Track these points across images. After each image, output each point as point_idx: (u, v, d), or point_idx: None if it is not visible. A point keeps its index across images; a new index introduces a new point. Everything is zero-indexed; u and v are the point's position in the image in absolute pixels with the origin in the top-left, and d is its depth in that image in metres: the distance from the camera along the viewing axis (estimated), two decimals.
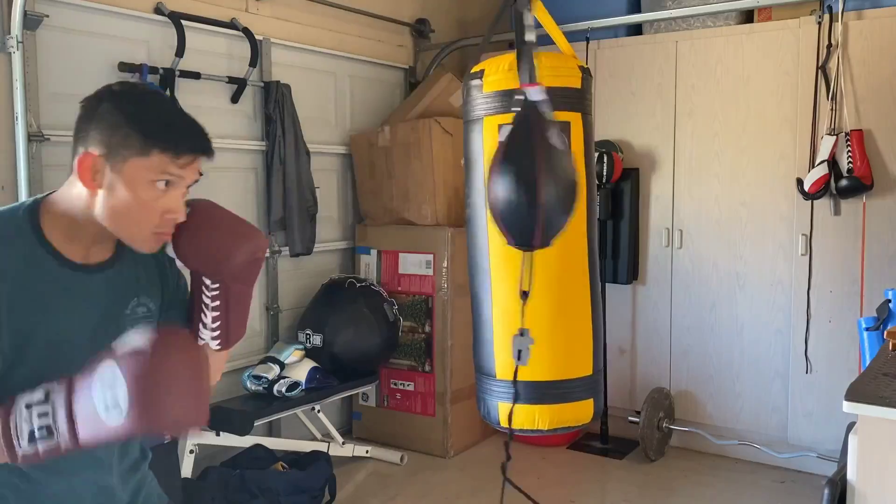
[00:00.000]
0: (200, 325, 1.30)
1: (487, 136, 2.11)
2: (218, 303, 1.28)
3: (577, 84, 2.13)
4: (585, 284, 2.17)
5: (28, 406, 1.06)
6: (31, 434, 1.05)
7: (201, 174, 1.24)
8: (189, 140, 1.20)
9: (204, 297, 1.28)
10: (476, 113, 2.15)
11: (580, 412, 2.17)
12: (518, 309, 2.02)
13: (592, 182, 2.21)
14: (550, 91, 1.94)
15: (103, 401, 1.03)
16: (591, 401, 2.19)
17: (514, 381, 2.01)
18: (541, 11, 2.20)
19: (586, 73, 2.18)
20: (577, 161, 2.11)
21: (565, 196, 1.72)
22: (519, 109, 1.74)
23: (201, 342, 1.31)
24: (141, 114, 1.17)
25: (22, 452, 1.06)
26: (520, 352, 1.80)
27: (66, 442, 1.06)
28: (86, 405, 1.05)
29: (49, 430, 1.06)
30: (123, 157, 1.16)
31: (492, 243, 2.12)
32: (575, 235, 2.12)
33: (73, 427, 1.05)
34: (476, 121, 2.15)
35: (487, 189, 1.77)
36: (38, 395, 1.07)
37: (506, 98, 2.06)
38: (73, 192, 1.20)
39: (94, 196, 1.18)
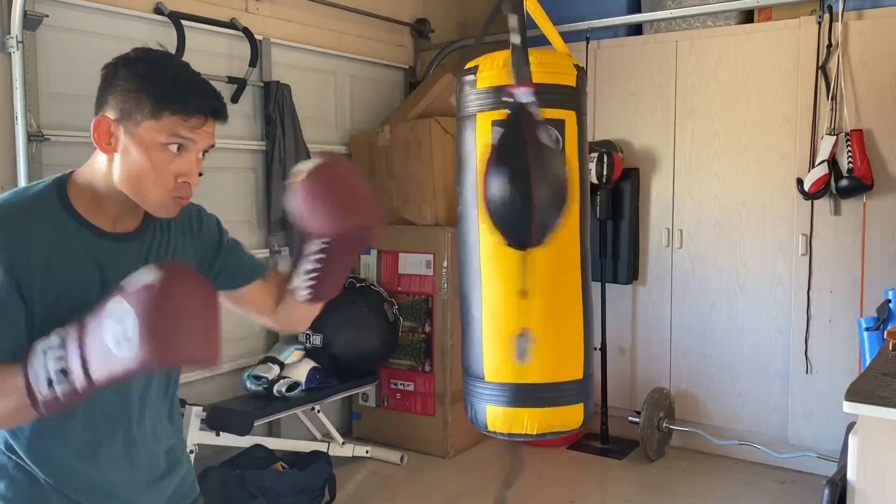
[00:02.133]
0: (296, 271, 1.34)
1: (480, 133, 2.08)
2: (321, 256, 1.31)
3: (572, 82, 2.11)
4: (578, 286, 2.13)
5: (44, 352, 1.07)
6: (49, 379, 1.06)
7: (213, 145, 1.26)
8: (199, 102, 1.22)
9: (309, 246, 1.30)
10: (469, 109, 2.12)
11: (569, 417, 2.11)
12: (510, 309, 2.00)
13: (586, 181, 2.18)
14: (544, 88, 1.93)
15: (114, 335, 1.04)
16: (580, 405, 2.12)
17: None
18: (535, 9, 2.20)
19: (581, 71, 2.17)
20: (570, 159, 2.08)
21: (557, 195, 1.72)
22: (509, 110, 1.73)
23: (291, 287, 1.37)
24: (153, 77, 1.19)
25: (42, 399, 1.07)
26: (522, 350, 1.78)
27: (81, 381, 1.06)
28: (97, 342, 1.05)
29: (64, 373, 1.06)
30: (136, 120, 1.18)
31: (482, 242, 2.08)
32: (568, 236, 2.07)
33: (86, 365, 1.05)
34: (469, 117, 2.12)
35: (481, 188, 1.75)
36: (53, 340, 1.08)
37: (499, 94, 2.03)
38: (94, 163, 1.24)
39: (111, 161, 1.21)
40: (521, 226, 1.70)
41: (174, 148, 1.20)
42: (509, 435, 2.09)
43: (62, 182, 1.24)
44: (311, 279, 1.36)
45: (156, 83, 1.19)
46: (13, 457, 1.24)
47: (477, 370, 2.11)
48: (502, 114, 2.00)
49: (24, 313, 1.16)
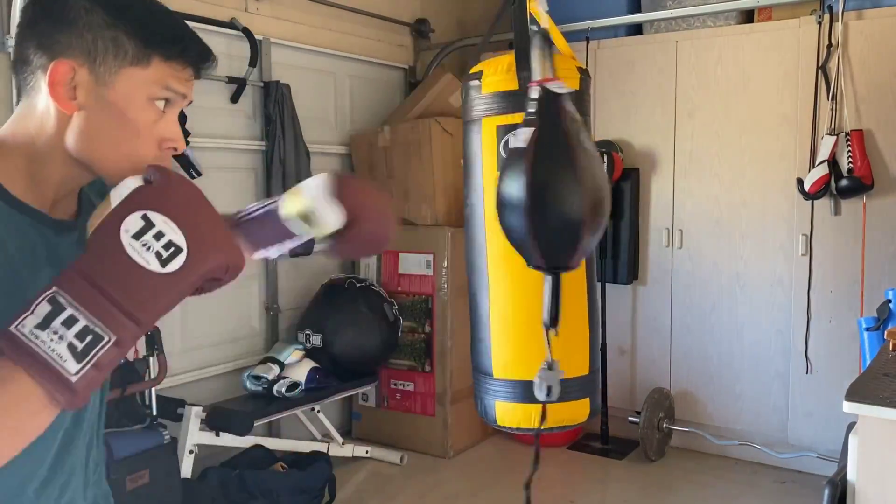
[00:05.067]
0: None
1: (486, 137, 2.11)
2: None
3: (576, 85, 2.14)
4: (583, 283, 2.17)
5: (39, 326, 0.77)
6: (73, 348, 0.77)
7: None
8: (195, 47, 0.95)
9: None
10: (475, 113, 2.16)
11: (576, 411, 2.16)
12: (520, 311, 2.02)
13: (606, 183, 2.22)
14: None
15: (154, 252, 0.80)
16: (587, 400, 2.18)
17: (539, 429, 1.96)
18: (536, 10, 2.21)
19: (584, 74, 2.19)
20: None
21: (600, 206, 1.55)
22: (536, 109, 1.58)
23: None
24: (133, 11, 0.91)
25: (77, 377, 0.77)
26: (549, 388, 1.65)
27: (129, 329, 0.79)
28: (126, 275, 0.79)
29: (90, 332, 0.78)
30: (113, 66, 0.89)
31: (490, 244, 2.11)
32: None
33: (123, 308, 0.79)
34: (475, 121, 2.16)
35: (500, 206, 1.61)
36: (42, 308, 0.78)
37: (505, 99, 2.05)
38: (30, 121, 0.92)
39: (66, 120, 0.90)
40: (558, 246, 1.56)
41: (160, 104, 0.93)
42: (518, 429, 2.15)
43: None
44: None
45: (140, 19, 0.91)
46: None
47: (486, 367, 2.17)
48: (508, 118, 2.05)
49: None
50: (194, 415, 3.11)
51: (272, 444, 3.48)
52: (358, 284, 3.88)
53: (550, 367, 1.61)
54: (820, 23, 3.51)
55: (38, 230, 0.92)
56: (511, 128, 2.00)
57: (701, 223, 3.93)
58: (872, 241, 3.46)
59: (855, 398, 1.71)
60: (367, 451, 3.83)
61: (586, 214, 1.51)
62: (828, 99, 3.51)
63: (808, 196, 3.49)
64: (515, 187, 1.54)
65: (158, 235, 0.80)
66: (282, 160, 3.68)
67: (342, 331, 3.70)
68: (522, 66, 2.04)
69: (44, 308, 0.78)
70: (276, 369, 3.46)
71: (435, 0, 4.76)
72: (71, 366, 0.77)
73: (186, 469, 3.07)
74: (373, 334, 3.77)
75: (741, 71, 3.76)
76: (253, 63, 3.57)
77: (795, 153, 3.63)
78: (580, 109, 2.15)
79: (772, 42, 3.68)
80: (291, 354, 3.55)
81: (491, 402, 2.16)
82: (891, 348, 2.16)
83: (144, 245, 0.80)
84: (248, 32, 3.54)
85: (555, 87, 1.51)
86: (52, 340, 0.77)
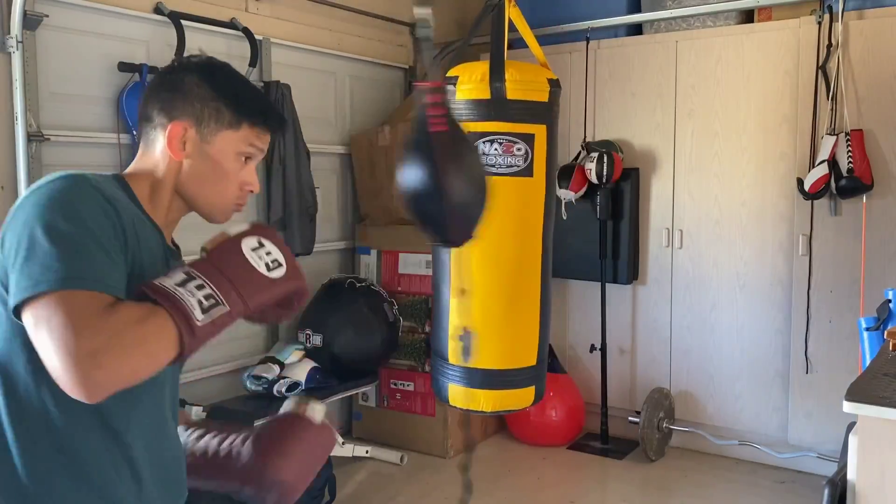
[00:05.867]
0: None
1: None
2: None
3: (545, 98, 2.28)
4: (537, 281, 2.32)
5: (180, 284, 1.04)
6: (201, 304, 1.04)
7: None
8: (273, 115, 1.29)
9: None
10: None
11: (522, 398, 2.37)
12: (461, 306, 2.22)
13: (553, 185, 2.33)
14: (516, 104, 2.11)
15: (264, 262, 1.12)
16: (532, 388, 2.38)
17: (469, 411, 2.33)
18: (517, 17, 2.29)
19: (555, 85, 2.31)
20: (538, 167, 2.23)
21: (474, 191, 1.73)
22: (420, 108, 1.73)
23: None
24: (230, 88, 1.24)
25: (201, 323, 1.03)
26: (467, 349, 1.87)
27: (238, 304, 1.07)
28: (244, 271, 1.09)
29: (213, 297, 1.05)
30: (214, 129, 1.21)
31: None
32: (530, 234, 2.27)
33: (237, 290, 1.08)
34: None
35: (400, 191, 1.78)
36: (178, 276, 1.06)
37: (478, 107, 2.19)
38: (151, 164, 1.22)
39: (177, 165, 1.21)
40: (440, 224, 1.72)
41: (243, 158, 1.25)
42: (467, 410, 2.35)
43: (118, 176, 1.21)
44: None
45: (235, 95, 1.23)
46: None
47: (443, 352, 2.33)
48: (479, 126, 2.19)
49: (125, 269, 1.08)
50: (194, 415, 3.11)
51: None
52: (358, 284, 3.88)
53: (465, 332, 1.87)
54: (820, 23, 3.51)
55: (160, 242, 1.21)
56: (482, 135, 2.20)
57: (701, 223, 3.93)
58: (872, 241, 3.46)
59: (855, 398, 1.71)
60: (367, 451, 3.83)
61: (459, 197, 1.68)
62: (828, 99, 3.51)
63: (808, 196, 3.49)
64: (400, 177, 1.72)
65: (268, 253, 1.14)
66: (282, 160, 3.67)
67: (342, 331, 3.70)
68: (496, 77, 2.12)
69: (179, 276, 1.05)
70: (276, 369, 3.47)
71: (435, 0, 4.76)
72: (198, 314, 1.03)
73: None
74: (373, 334, 3.77)
75: (741, 71, 3.76)
76: (253, 63, 3.57)
77: (795, 153, 3.63)
78: (548, 119, 2.29)
79: (772, 42, 3.68)
80: (292, 354, 3.55)
81: (445, 383, 2.35)
82: (891, 348, 2.16)
83: (258, 256, 1.13)
84: (248, 32, 3.54)
85: (424, 90, 1.69)
86: (188, 294, 1.03)
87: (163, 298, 1.02)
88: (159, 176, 1.22)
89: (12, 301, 1.00)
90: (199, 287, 1.04)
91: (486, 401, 2.30)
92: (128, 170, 1.25)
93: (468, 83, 2.20)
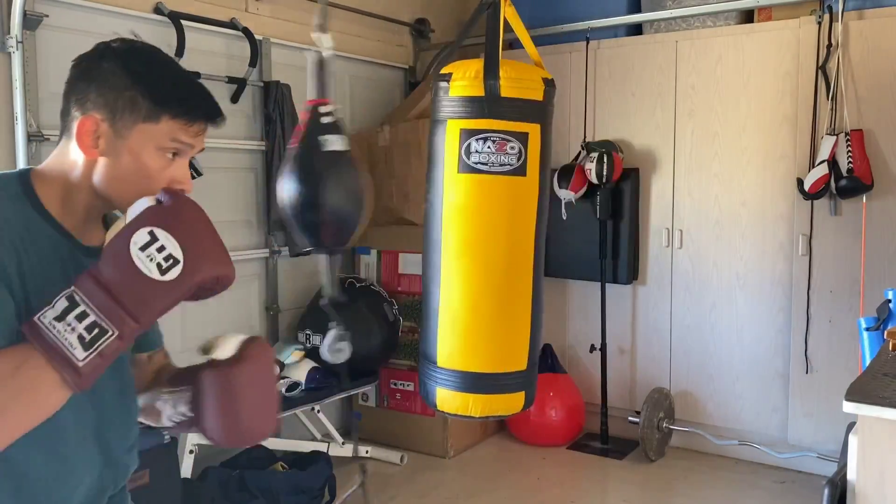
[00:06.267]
0: (171, 400, 1.25)
1: (450, 138, 2.20)
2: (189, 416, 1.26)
3: (539, 97, 2.26)
4: (529, 283, 2.28)
5: (56, 319, 0.93)
6: (82, 339, 0.93)
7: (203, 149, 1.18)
8: (202, 106, 1.12)
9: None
10: (441, 114, 2.24)
11: (511, 403, 2.31)
12: (466, 301, 2.18)
13: (546, 185, 2.32)
14: (510, 102, 2.10)
15: (155, 262, 0.96)
16: (522, 393, 2.32)
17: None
18: (512, 16, 2.29)
19: (549, 84, 2.30)
20: (531, 167, 2.22)
21: (352, 200, 1.77)
22: (305, 118, 1.77)
23: (158, 405, 1.26)
24: (148, 75, 1.09)
25: (83, 364, 0.93)
26: (339, 349, 1.84)
27: (128, 325, 0.95)
28: (130, 279, 0.95)
29: (97, 326, 0.94)
30: (129, 122, 1.07)
31: (444, 241, 2.22)
32: (522, 237, 2.24)
33: (126, 308, 0.95)
34: (441, 122, 2.23)
35: (278, 196, 1.79)
36: (59, 304, 0.94)
37: (470, 104, 2.16)
38: (65, 160, 1.11)
39: (92, 163, 1.09)
40: (314, 230, 1.74)
41: (170, 154, 1.10)
42: (455, 415, 2.29)
43: (25, 176, 1.10)
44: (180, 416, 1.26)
45: (153, 83, 1.08)
46: None
47: (431, 355, 2.29)
48: (471, 123, 2.16)
49: (11, 304, 1.00)
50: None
51: (272, 443, 3.48)
52: (358, 284, 3.88)
53: (340, 332, 1.80)
54: (820, 23, 3.51)
55: (70, 248, 1.10)
56: (475, 132, 2.16)
57: (701, 223, 3.93)
58: (872, 241, 3.46)
59: (855, 398, 1.71)
60: (367, 451, 3.83)
61: (334, 204, 1.74)
62: (828, 99, 3.51)
63: (807, 196, 3.49)
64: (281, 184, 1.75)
65: (161, 249, 0.97)
66: (282, 160, 3.67)
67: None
68: (490, 74, 2.11)
69: (62, 304, 0.94)
70: (276, 369, 3.46)
71: (435, 0, 4.76)
72: (79, 353, 0.93)
73: (187, 469, 3.08)
74: (373, 334, 3.77)
75: (741, 71, 3.76)
76: (253, 63, 3.57)
77: (795, 153, 3.63)
78: (542, 118, 2.28)
79: (772, 42, 3.68)
80: (291, 354, 3.56)
81: (433, 387, 2.29)
82: (891, 348, 2.16)
83: (148, 256, 0.97)
84: (248, 32, 3.54)
85: (322, 108, 1.73)
86: (66, 331, 0.93)
87: (38, 341, 0.93)
88: (73, 177, 1.09)
89: None
90: (81, 316, 0.94)
91: (475, 405, 2.26)
92: (41, 165, 1.14)
93: (462, 80, 2.17)
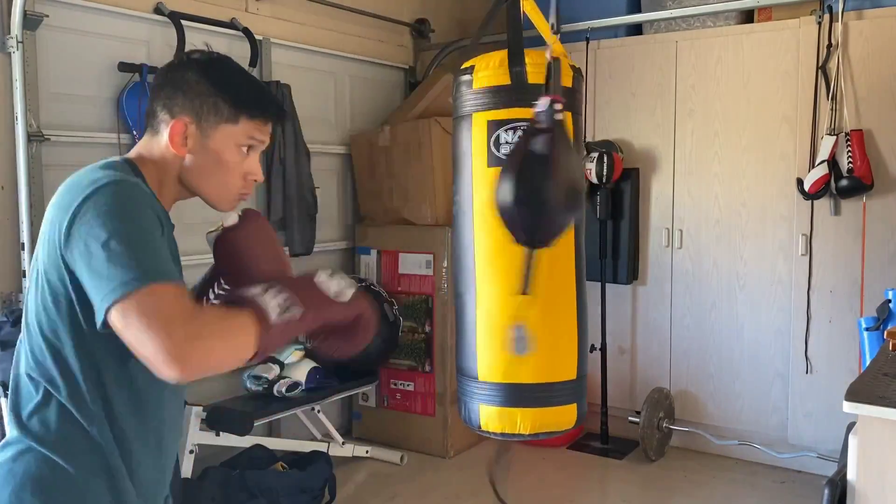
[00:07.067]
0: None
1: (477, 132, 2.08)
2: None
3: (569, 83, 2.12)
4: (572, 286, 2.11)
5: (261, 292, 1.18)
6: (279, 307, 1.17)
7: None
8: (272, 107, 1.35)
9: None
10: (465, 109, 2.12)
11: (563, 417, 2.10)
12: (507, 308, 1.99)
13: (581, 181, 2.27)
14: (540, 89, 1.92)
15: (338, 288, 1.28)
16: (574, 405, 2.11)
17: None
18: (532, 10, 2.20)
19: (577, 73, 2.18)
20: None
21: (573, 196, 1.76)
22: (536, 115, 1.77)
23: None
24: (228, 83, 1.29)
25: (276, 322, 1.16)
26: (520, 339, 1.79)
27: (304, 311, 1.20)
28: (316, 293, 1.24)
29: (289, 302, 1.18)
30: (213, 123, 1.27)
31: (477, 243, 2.08)
32: (564, 237, 2.04)
33: (304, 300, 1.21)
34: (465, 117, 2.12)
35: (493, 186, 1.78)
36: (255, 289, 1.19)
37: (497, 93, 2.04)
38: (154, 152, 1.29)
39: (180, 158, 1.28)
40: (533, 225, 1.72)
41: (245, 149, 1.30)
42: (502, 435, 2.08)
43: (133, 163, 1.28)
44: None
45: (232, 89, 1.28)
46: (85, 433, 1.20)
47: (471, 370, 2.09)
48: (499, 113, 2.04)
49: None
50: (194, 415, 3.11)
51: (272, 443, 3.48)
52: (358, 284, 3.88)
53: (518, 325, 1.80)
54: (820, 23, 3.51)
55: (169, 227, 1.27)
56: (503, 122, 2.03)
57: (701, 223, 3.93)
58: (872, 241, 3.46)
59: (855, 398, 1.71)
60: (367, 451, 3.83)
61: (558, 199, 1.74)
62: (828, 99, 3.51)
63: (808, 196, 3.49)
64: (507, 184, 1.75)
65: (337, 284, 1.28)
66: (282, 160, 3.67)
67: None
68: (516, 61, 2.03)
69: (257, 288, 1.19)
70: (276, 369, 3.46)
71: (435, 0, 4.76)
72: (274, 316, 1.16)
73: (187, 469, 3.07)
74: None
75: (741, 71, 3.76)
76: (253, 63, 3.57)
77: (795, 153, 3.63)
78: (573, 105, 2.16)
79: (772, 42, 3.68)
80: (292, 354, 3.55)
81: (475, 406, 2.08)
82: (891, 348, 2.16)
83: (328, 285, 1.27)
84: (248, 32, 3.54)
85: (558, 106, 1.74)
86: (268, 297, 1.17)
87: (244, 301, 1.17)
88: (166, 167, 1.29)
89: (102, 306, 1.08)
90: (275, 295, 1.18)
91: (523, 421, 2.03)
92: (134, 154, 1.31)
93: (486, 70, 2.05)
